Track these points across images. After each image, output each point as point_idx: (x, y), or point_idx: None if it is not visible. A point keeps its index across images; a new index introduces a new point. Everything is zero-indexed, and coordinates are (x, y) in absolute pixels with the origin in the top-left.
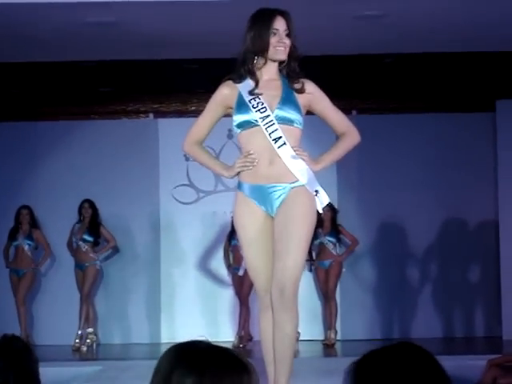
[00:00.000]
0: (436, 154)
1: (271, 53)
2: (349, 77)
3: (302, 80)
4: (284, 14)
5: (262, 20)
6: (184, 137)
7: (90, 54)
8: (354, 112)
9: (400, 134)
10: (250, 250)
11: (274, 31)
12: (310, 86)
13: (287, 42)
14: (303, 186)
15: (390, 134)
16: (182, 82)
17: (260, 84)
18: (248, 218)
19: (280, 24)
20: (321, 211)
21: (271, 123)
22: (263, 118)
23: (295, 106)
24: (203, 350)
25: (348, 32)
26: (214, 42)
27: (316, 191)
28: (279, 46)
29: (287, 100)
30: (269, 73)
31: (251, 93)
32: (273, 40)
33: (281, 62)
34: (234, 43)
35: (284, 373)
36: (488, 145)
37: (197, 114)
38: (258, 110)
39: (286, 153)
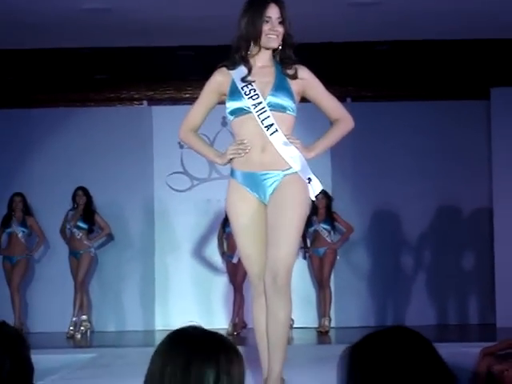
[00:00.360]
0: (430, 141)
1: (264, 40)
2: (343, 64)
3: (296, 66)
4: (277, 2)
5: (255, 7)
6: (179, 124)
7: (85, 40)
8: (348, 99)
9: (394, 122)
10: (243, 237)
11: (267, 19)
12: (304, 72)
13: (280, 29)
14: (296, 173)
15: (385, 121)
16: (176, 70)
17: (253, 71)
18: (241, 205)
19: (273, 11)
20: (313, 199)
21: (263, 110)
22: (255, 105)
23: (288, 93)
24: (192, 335)
25: (343, 19)
26: (209, 29)
27: (309, 179)
28: (271, 33)
29: (280, 87)
30: (262, 60)
31: (244, 80)
32: (265, 28)
33: (275, 49)
34: (228, 30)
35: (278, 360)
36: (482, 133)
37: (191, 101)
38: (251, 97)
39: (278, 140)
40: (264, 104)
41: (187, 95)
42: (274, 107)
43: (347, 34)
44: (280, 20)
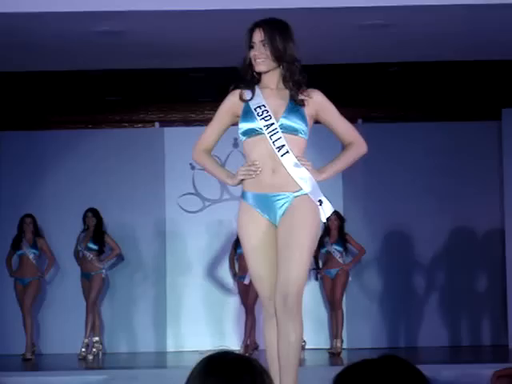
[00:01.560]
0: (442, 162)
1: (253, 66)
2: (354, 85)
3: (309, 90)
4: (260, 24)
5: (246, 36)
6: (190, 146)
7: (96, 62)
8: (359, 121)
9: (406, 143)
10: (254, 258)
11: (252, 45)
12: (317, 96)
13: (265, 52)
14: (307, 194)
15: (396, 142)
16: (187, 91)
17: (266, 93)
18: (251, 226)
19: (256, 36)
20: (324, 221)
21: (275, 131)
22: (267, 126)
23: (301, 116)
24: (226, 360)
25: (353, 41)
26: (220, 51)
27: (320, 201)
28: (256, 58)
29: (293, 109)
30: (272, 82)
31: (257, 101)
32: (252, 54)
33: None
34: (239, 52)
35: (289, 381)
36: (494, 153)
37: (203, 122)
38: (263, 118)
39: (289, 161)
40: (276, 125)
41: (199, 116)
42: (287, 129)
43: (358, 56)
44: (264, 43)
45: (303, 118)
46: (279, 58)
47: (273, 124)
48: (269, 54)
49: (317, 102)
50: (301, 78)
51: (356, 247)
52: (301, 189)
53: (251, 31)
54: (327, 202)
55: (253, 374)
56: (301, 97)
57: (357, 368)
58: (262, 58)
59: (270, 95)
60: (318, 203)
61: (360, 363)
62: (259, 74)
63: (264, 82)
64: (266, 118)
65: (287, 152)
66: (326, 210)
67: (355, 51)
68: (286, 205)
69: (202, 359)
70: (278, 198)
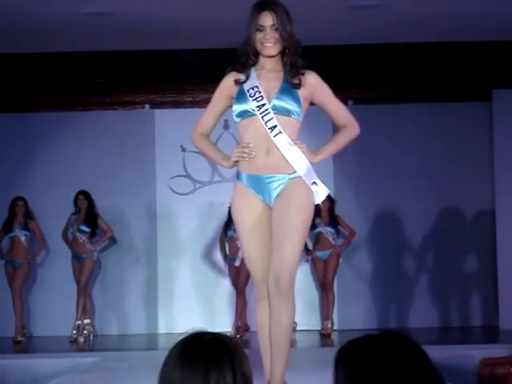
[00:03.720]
0: (432, 144)
1: (259, 49)
2: (345, 67)
3: (305, 71)
4: (272, 8)
5: (250, 15)
6: (181, 127)
7: (86, 44)
8: (350, 102)
9: (396, 124)
10: (247, 239)
11: (259, 27)
12: (312, 77)
13: (275, 36)
14: (301, 177)
15: (387, 124)
16: (178, 73)
17: (261, 74)
18: (246, 207)
19: (266, 19)
20: (320, 203)
21: (267, 112)
22: (259, 107)
23: (294, 98)
24: (204, 341)
25: (344, 22)
26: (211, 33)
27: (314, 183)
28: (265, 42)
29: (286, 90)
30: (270, 64)
31: (250, 82)
32: (259, 36)
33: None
34: (230, 33)
35: (280, 363)
36: (484, 134)
37: (193, 104)
38: (255, 99)
39: (283, 142)
40: (268, 106)
41: (189, 98)
42: (279, 110)
43: (349, 37)
44: (276, 27)
45: (297, 100)
46: (288, 42)
47: (264, 105)
48: (278, 38)
49: (312, 83)
50: (303, 61)
51: (346, 229)
52: (295, 171)
53: (257, 14)
54: (322, 184)
55: (230, 354)
56: (295, 79)
57: (359, 343)
58: (271, 42)
59: (264, 77)
60: (313, 184)
61: (362, 338)
62: (256, 56)
63: (261, 64)
64: (258, 99)
65: (280, 132)
66: (321, 193)
67: (346, 32)
68: (281, 186)
69: (178, 342)
70: (273, 179)
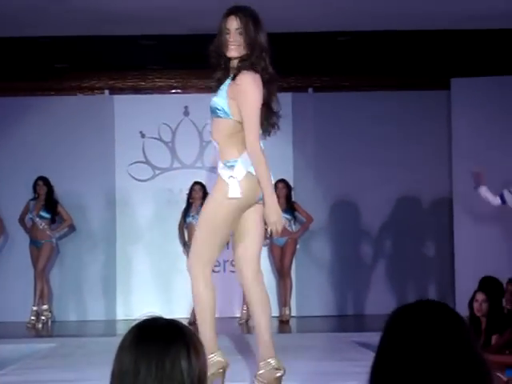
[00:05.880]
0: (391, 130)
1: (224, 50)
2: (305, 54)
3: (244, 71)
4: (238, 14)
5: (221, 19)
6: (140, 113)
7: (45, 29)
8: (310, 90)
9: (356, 112)
10: (212, 240)
11: (227, 31)
12: (240, 78)
13: (239, 39)
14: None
15: (346, 111)
16: (137, 59)
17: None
18: (231, 222)
19: (231, 23)
20: (238, 196)
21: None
22: None
23: (223, 96)
24: (158, 326)
25: (304, 10)
26: (171, 19)
27: (231, 176)
28: (230, 44)
29: (222, 89)
30: (234, 65)
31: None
32: (225, 39)
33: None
34: (189, 20)
35: (264, 313)
36: (443, 122)
37: (153, 90)
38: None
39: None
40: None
41: (149, 84)
42: (211, 111)
43: (308, 25)
44: (240, 31)
45: (224, 98)
46: (251, 46)
47: None
48: (242, 42)
49: (236, 83)
50: (271, 68)
51: (303, 215)
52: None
53: (225, 18)
54: (236, 180)
55: (184, 338)
56: (232, 79)
57: (410, 309)
58: (234, 45)
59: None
60: (229, 179)
61: (413, 304)
62: (219, 57)
63: (231, 65)
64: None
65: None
66: (233, 188)
67: (305, 20)
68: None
69: (132, 327)
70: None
